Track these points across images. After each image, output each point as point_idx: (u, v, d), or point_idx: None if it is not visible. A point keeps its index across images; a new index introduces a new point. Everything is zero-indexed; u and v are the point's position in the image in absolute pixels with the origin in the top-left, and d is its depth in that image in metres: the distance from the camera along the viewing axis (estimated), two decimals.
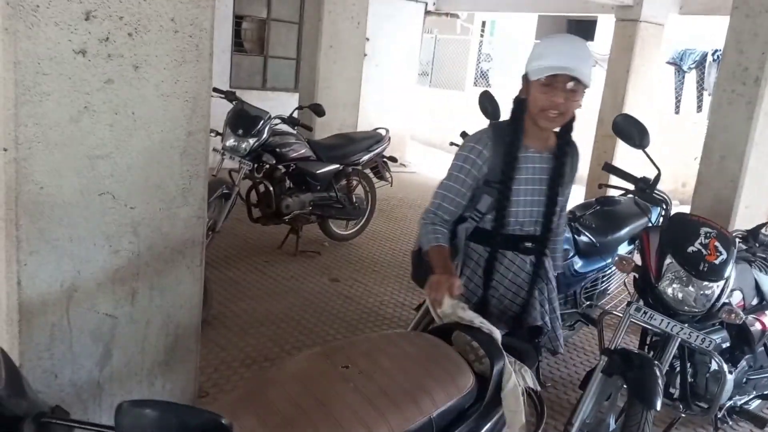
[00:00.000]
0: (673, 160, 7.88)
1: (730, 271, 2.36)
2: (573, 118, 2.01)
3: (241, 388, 1.50)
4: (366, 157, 5.29)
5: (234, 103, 4.67)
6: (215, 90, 4.64)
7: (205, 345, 3.41)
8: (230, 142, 4.52)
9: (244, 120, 4.55)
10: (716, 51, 8.69)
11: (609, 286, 3.76)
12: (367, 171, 5.56)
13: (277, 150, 4.72)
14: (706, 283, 2.32)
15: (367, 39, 7.08)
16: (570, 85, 1.87)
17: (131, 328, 1.88)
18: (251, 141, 4.51)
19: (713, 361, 2.52)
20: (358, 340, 1.68)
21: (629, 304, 2.44)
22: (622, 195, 3.49)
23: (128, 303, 1.86)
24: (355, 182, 5.41)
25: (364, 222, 5.69)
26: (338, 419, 1.35)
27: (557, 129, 2.05)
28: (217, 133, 4.59)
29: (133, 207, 1.81)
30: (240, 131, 4.50)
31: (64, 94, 1.63)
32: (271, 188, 4.78)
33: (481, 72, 14.22)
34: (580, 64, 1.87)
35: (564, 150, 2.04)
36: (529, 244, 2.10)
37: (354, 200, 5.38)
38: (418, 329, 2.85)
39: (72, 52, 1.62)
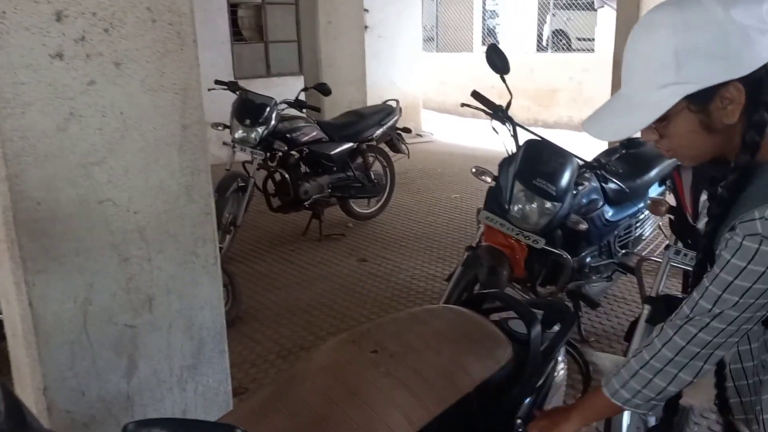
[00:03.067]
0: None
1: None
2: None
3: (269, 386, 1.43)
4: (379, 132, 5.18)
5: (238, 93, 4.59)
6: (217, 82, 4.58)
7: (239, 341, 3.38)
8: (239, 133, 4.44)
9: (250, 109, 4.46)
10: None
11: (644, 231, 3.62)
12: (382, 146, 5.45)
13: (288, 135, 4.63)
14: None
15: (366, 10, 6.92)
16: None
17: (153, 336, 1.83)
18: (260, 129, 4.42)
19: None
20: (385, 322, 1.60)
21: (668, 247, 2.31)
22: None
23: (146, 311, 1.80)
24: (371, 159, 5.31)
25: (385, 198, 5.60)
26: (372, 408, 1.27)
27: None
28: (225, 126, 4.53)
29: (136, 211, 1.74)
30: (247, 121, 4.42)
31: (46, 102, 1.55)
32: (287, 175, 4.70)
33: (489, 30, 13.90)
34: (628, 91, 1.10)
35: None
36: None
37: (372, 177, 5.28)
38: (451, 301, 2.79)
39: (48, 56, 1.53)
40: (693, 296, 1.12)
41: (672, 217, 2.40)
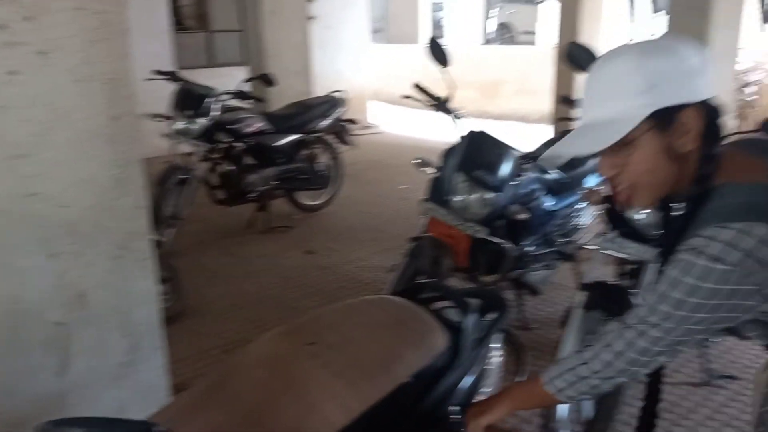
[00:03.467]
0: None
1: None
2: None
3: (204, 381, 1.42)
4: (325, 123, 5.15)
5: (178, 83, 4.48)
6: (157, 72, 4.46)
7: (182, 336, 3.33)
8: (180, 124, 4.35)
9: (190, 100, 4.37)
10: None
11: (582, 220, 3.72)
12: (329, 137, 5.43)
13: (231, 127, 4.56)
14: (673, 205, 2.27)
15: (310, 0, 6.86)
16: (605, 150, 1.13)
17: (87, 333, 1.78)
18: (202, 121, 4.34)
19: None
20: (322, 313, 1.60)
21: (601, 235, 2.39)
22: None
23: (78, 307, 1.76)
24: (317, 150, 5.28)
25: (333, 190, 5.59)
26: (309, 399, 1.27)
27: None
28: (165, 118, 4.43)
29: (66, 205, 1.69)
30: (188, 112, 4.33)
31: None
32: (231, 167, 4.63)
33: (436, 22, 13.98)
34: (596, 114, 1.12)
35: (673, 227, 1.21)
36: None
37: (319, 169, 5.26)
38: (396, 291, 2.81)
39: None
40: (637, 304, 1.15)
41: (606, 206, 2.48)
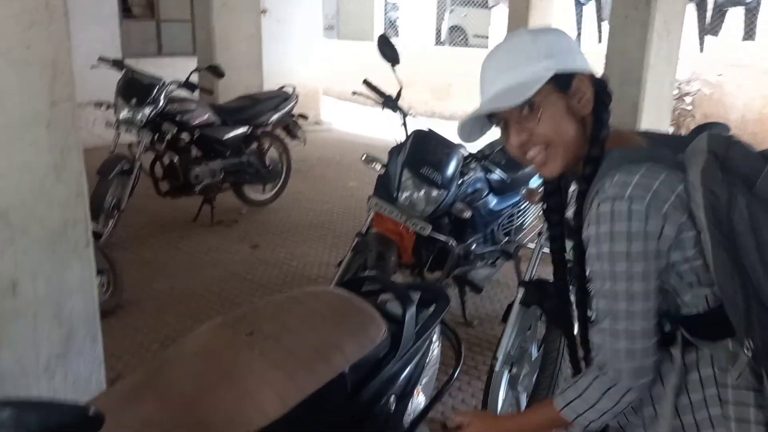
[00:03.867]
0: None
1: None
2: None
3: (140, 371, 1.40)
4: (274, 117, 5.11)
5: (123, 72, 4.38)
6: (101, 59, 4.35)
7: (119, 330, 3.26)
8: (124, 113, 4.25)
9: (136, 89, 4.27)
10: None
11: (525, 220, 3.80)
12: (279, 132, 5.39)
13: (178, 117, 4.48)
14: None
15: None
16: (514, 118, 1.20)
17: (17, 323, 1.73)
18: (147, 110, 4.25)
19: None
20: (263, 304, 1.60)
21: (539, 234, 2.46)
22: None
23: (10, 296, 1.70)
24: (266, 144, 5.24)
25: (281, 184, 5.55)
26: (245, 389, 1.27)
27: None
28: (109, 106, 4.32)
29: None
30: (133, 101, 4.23)
31: None
32: (177, 159, 4.55)
33: (390, 21, 14.03)
34: (504, 83, 1.18)
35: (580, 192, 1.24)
36: None
37: (268, 163, 5.22)
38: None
39: None
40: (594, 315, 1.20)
41: (545, 205, 2.55)
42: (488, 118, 1.25)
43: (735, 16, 5.47)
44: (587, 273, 1.23)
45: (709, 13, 5.31)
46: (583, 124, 1.21)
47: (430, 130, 3.04)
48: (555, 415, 1.25)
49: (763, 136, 7.76)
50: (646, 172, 1.12)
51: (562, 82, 1.17)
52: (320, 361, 1.36)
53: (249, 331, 1.40)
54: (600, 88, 1.22)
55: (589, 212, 1.18)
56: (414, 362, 1.58)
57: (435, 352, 1.71)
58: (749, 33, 5.65)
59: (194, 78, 4.59)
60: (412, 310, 1.55)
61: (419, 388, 1.64)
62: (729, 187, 1.08)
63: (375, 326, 1.50)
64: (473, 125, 1.26)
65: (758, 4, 5.37)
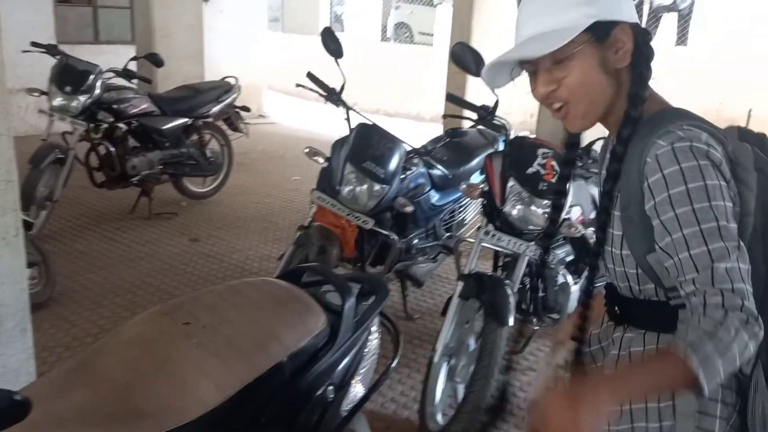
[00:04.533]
0: (522, 92, 8.22)
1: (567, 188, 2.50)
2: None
3: (72, 359, 1.36)
4: (216, 109, 5.03)
5: (58, 57, 4.22)
6: (34, 44, 4.19)
7: (52, 323, 3.16)
8: (58, 101, 4.10)
9: (71, 75, 4.13)
10: None
11: (466, 216, 3.88)
12: (220, 124, 5.31)
13: (115, 106, 4.35)
14: (545, 201, 2.44)
15: None
16: (544, 65, 1.13)
17: None
18: (82, 98, 4.12)
19: (559, 274, 2.68)
20: (201, 294, 1.58)
21: (479, 229, 2.52)
22: (471, 127, 3.58)
23: None
24: (207, 136, 5.16)
25: (222, 177, 5.47)
26: (181, 378, 1.26)
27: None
28: (42, 93, 4.16)
29: None
30: (68, 88, 4.09)
31: None
32: (113, 149, 4.42)
33: (336, 16, 13.98)
34: (538, 27, 1.11)
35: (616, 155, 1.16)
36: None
37: (208, 155, 5.13)
38: None
39: None
40: (678, 265, 1.03)
41: (484, 201, 2.62)
42: (519, 62, 1.16)
43: (669, 21, 5.71)
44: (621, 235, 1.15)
45: (644, 18, 5.53)
46: (616, 78, 1.12)
47: (373, 125, 3.07)
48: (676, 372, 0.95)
49: None
50: (706, 134, 1.06)
51: (601, 31, 1.08)
52: (258, 351, 1.36)
53: (186, 321, 1.39)
54: (642, 41, 1.12)
55: (644, 167, 1.08)
56: (352, 352, 1.60)
57: (374, 342, 1.74)
58: (682, 38, 5.91)
59: (132, 66, 4.48)
60: (351, 301, 1.57)
61: (357, 378, 1.66)
62: None
63: (314, 316, 1.51)
64: (500, 69, 1.18)
65: (690, 11, 5.62)
